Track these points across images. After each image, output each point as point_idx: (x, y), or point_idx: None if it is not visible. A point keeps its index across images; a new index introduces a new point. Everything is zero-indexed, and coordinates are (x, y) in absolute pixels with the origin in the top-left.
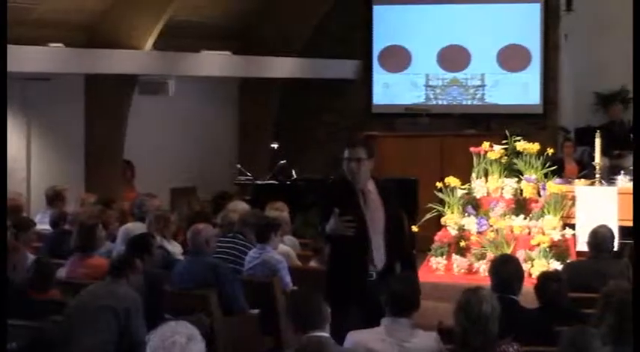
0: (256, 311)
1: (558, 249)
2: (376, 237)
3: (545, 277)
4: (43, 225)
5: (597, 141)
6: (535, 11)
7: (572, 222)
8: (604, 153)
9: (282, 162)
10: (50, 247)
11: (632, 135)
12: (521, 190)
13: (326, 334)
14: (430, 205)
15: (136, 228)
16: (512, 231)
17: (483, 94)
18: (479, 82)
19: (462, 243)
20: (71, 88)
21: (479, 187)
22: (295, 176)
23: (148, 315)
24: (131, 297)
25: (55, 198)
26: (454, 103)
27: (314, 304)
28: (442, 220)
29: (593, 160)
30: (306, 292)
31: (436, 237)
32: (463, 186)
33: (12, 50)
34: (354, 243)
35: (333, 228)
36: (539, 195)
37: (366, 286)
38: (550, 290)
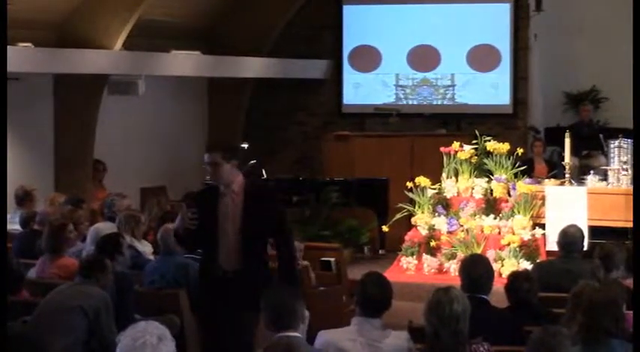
0: None
1: (528, 249)
2: (225, 239)
3: (516, 277)
4: (12, 225)
5: (567, 141)
6: (505, 11)
7: (542, 222)
8: (574, 153)
9: (252, 161)
10: (20, 247)
11: (601, 135)
12: (492, 190)
13: (297, 334)
14: (400, 205)
15: (105, 227)
16: (482, 231)
17: (453, 94)
18: (449, 82)
19: (433, 243)
20: (40, 87)
21: (449, 187)
22: (266, 176)
23: (118, 315)
24: (101, 297)
25: (24, 197)
26: (424, 103)
27: (285, 304)
28: (412, 220)
29: (563, 160)
30: (278, 291)
31: (406, 237)
32: (433, 186)
33: None
34: (205, 244)
35: (179, 225)
36: (509, 195)
37: (213, 286)
38: (521, 290)
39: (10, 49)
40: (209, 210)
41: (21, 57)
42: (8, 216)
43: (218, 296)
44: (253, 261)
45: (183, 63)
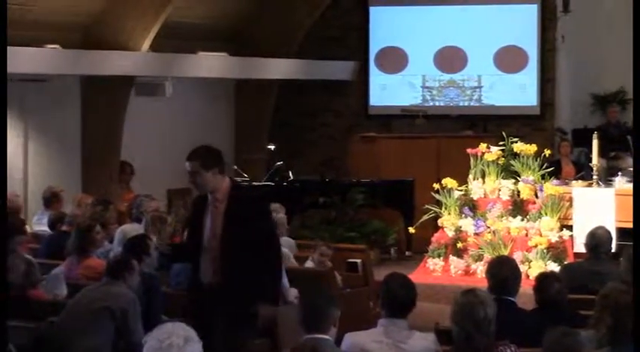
0: None
1: (556, 251)
2: (206, 252)
3: (545, 277)
4: (40, 226)
5: (594, 143)
6: (532, 12)
7: (569, 224)
8: (601, 154)
9: (278, 163)
10: (48, 248)
11: (629, 137)
12: (519, 192)
13: (326, 337)
14: (427, 206)
15: (133, 229)
16: (509, 233)
17: (480, 95)
18: (476, 84)
19: (459, 245)
20: (68, 89)
21: (476, 188)
22: (292, 177)
23: (145, 316)
24: (128, 298)
25: (52, 199)
26: (451, 105)
27: (318, 306)
28: (439, 221)
29: (591, 161)
30: (310, 294)
31: (433, 239)
32: (460, 188)
33: (8, 52)
34: (193, 256)
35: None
36: (537, 197)
37: (194, 299)
38: (549, 291)
39: (38, 51)
40: (197, 219)
41: (48, 59)
42: (35, 218)
43: (198, 310)
44: (236, 273)
45: (210, 64)
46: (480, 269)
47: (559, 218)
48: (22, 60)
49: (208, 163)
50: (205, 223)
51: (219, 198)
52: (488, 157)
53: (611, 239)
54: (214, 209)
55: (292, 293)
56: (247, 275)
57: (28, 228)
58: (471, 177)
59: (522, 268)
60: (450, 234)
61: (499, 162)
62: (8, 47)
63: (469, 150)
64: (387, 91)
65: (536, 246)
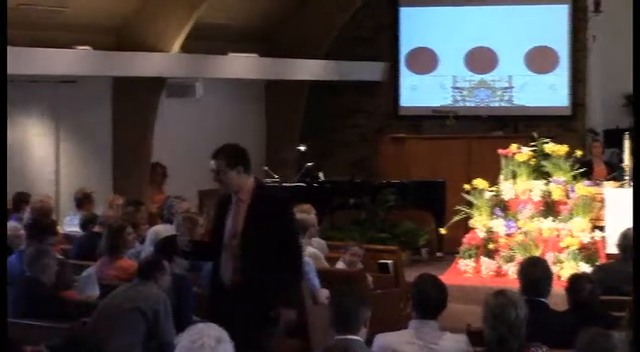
0: None
1: (588, 252)
2: (226, 251)
3: (578, 278)
4: (72, 227)
5: (626, 143)
6: (563, 13)
7: (601, 225)
8: (633, 154)
9: (309, 164)
10: (79, 249)
11: None
12: (550, 192)
13: (357, 337)
14: (458, 207)
15: (164, 229)
16: (540, 234)
17: (511, 96)
18: (506, 84)
19: (491, 246)
20: (99, 90)
21: (507, 189)
22: (322, 178)
23: (176, 317)
24: (159, 299)
25: (83, 200)
26: (482, 105)
27: (348, 307)
28: (470, 222)
29: (622, 162)
30: (341, 295)
31: (464, 240)
32: (491, 188)
33: (40, 53)
34: (214, 254)
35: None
36: (568, 198)
37: (214, 299)
38: (582, 292)
39: (69, 53)
40: (220, 218)
41: (80, 60)
42: (67, 219)
43: (218, 309)
44: (255, 272)
45: (241, 65)
46: (512, 270)
47: (591, 219)
48: (54, 61)
49: (233, 162)
50: (227, 222)
51: (243, 198)
52: (520, 158)
53: None
54: (237, 208)
55: (323, 294)
56: (267, 275)
57: (59, 229)
58: (502, 177)
59: (554, 269)
60: (481, 235)
61: (530, 162)
62: (40, 49)
63: (500, 151)
64: (417, 92)
65: (567, 247)
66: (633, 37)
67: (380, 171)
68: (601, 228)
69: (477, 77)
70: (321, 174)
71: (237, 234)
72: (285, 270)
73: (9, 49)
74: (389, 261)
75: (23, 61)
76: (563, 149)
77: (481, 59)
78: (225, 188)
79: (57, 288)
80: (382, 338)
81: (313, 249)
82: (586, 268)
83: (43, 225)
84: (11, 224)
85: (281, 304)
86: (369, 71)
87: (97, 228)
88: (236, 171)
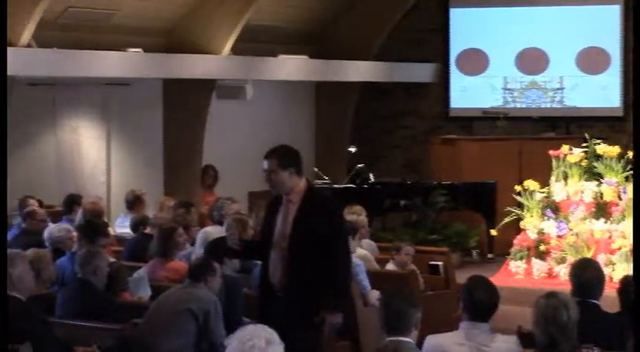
0: None
1: None
2: (274, 252)
3: (629, 280)
4: (123, 229)
5: None
6: (615, 13)
7: None
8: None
9: (359, 165)
10: (131, 251)
11: None
12: (602, 193)
13: (408, 339)
14: (509, 209)
15: (214, 231)
16: (592, 235)
17: (562, 97)
18: (558, 85)
19: (542, 247)
20: (150, 92)
21: (558, 190)
22: (373, 179)
23: (227, 319)
24: (210, 300)
25: (134, 202)
26: (533, 106)
27: (399, 308)
28: (521, 224)
29: None
30: (391, 296)
31: (515, 241)
32: (542, 190)
33: (91, 56)
34: (262, 254)
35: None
36: (620, 199)
37: (263, 302)
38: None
39: (120, 55)
40: (270, 220)
41: (131, 62)
42: (118, 220)
43: (266, 313)
44: (302, 275)
45: (291, 67)
46: (563, 272)
47: None
48: (106, 64)
49: (285, 163)
50: (277, 223)
51: (293, 200)
52: (571, 159)
53: None
54: (286, 209)
55: (374, 295)
56: (313, 278)
57: (110, 230)
58: (553, 179)
59: (606, 271)
60: (533, 236)
61: (582, 163)
62: (91, 51)
63: (551, 152)
64: (467, 93)
65: (620, 248)
66: (633, 37)
67: (431, 172)
68: None
69: (528, 78)
70: (371, 176)
71: (286, 236)
72: (332, 273)
73: (60, 51)
74: (439, 263)
75: (74, 63)
76: (615, 150)
77: (532, 60)
78: (276, 189)
79: (111, 290)
80: (433, 340)
81: (364, 251)
82: None
83: (95, 226)
84: (63, 225)
85: (327, 308)
86: (420, 72)
87: (147, 230)
88: (288, 173)
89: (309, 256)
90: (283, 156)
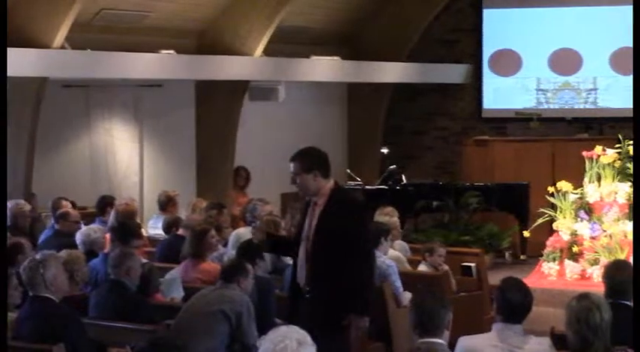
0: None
1: None
2: (302, 254)
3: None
4: (155, 230)
5: None
6: None
7: None
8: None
9: (391, 167)
10: (163, 252)
11: None
12: None
13: (440, 341)
14: (542, 210)
15: (247, 232)
16: (625, 236)
17: (596, 98)
18: (591, 86)
19: (575, 249)
20: (182, 94)
21: (591, 192)
22: (405, 181)
23: (259, 319)
24: (243, 302)
25: (167, 203)
26: (566, 107)
27: (430, 310)
28: (554, 225)
29: None
30: (422, 297)
31: (548, 243)
32: (575, 191)
33: (125, 57)
34: (294, 258)
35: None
36: None
37: (291, 303)
38: None
39: (153, 57)
40: (301, 222)
41: (163, 64)
42: (151, 222)
43: (295, 314)
44: (324, 277)
45: (323, 68)
46: (596, 273)
47: None
48: (138, 65)
49: (308, 165)
50: (305, 226)
51: (319, 202)
52: (604, 160)
53: None
54: (312, 212)
55: (406, 296)
56: (335, 280)
57: (143, 231)
58: (586, 180)
59: None
60: (566, 237)
61: (615, 165)
62: (124, 53)
63: (585, 153)
64: (500, 94)
65: None
66: (633, 37)
67: (463, 173)
68: None
69: (561, 79)
70: (403, 177)
71: (310, 238)
72: (354, 276)
73: (94, 53)
74: (472, 264)
75: (108, 65)
76: None
77: (565, 61)
78: (302, 191)
79: (144, 291)
80: (465, 341)
81: (396, 252)
82: None
83: (128, 228)
84: (96, 226)
85: (353, 311)
86: (452, 73)
87: (180, 231)
88: (312, 175)
89: (331, 258)
90: (306, 159)
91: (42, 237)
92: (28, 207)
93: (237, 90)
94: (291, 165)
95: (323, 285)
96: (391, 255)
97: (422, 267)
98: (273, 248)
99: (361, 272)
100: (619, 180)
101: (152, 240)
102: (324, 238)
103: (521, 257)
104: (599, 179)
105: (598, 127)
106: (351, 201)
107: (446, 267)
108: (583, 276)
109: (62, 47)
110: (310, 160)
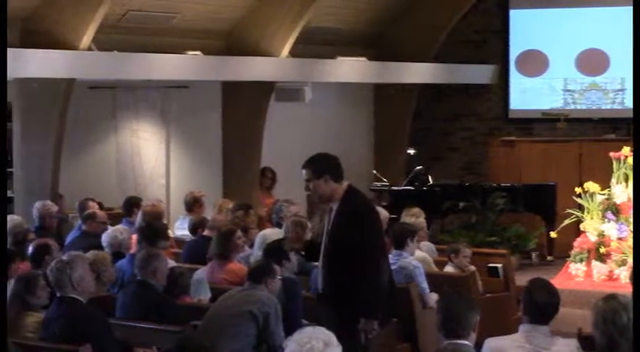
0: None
1: None
2: (320, 258)
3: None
4: (182, 231)
5: None
6: None
7: None
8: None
9: (418, 167)
10: (189, 253)
11: None
12: None
13: (466, 342)
14: (569, 211)
15: (273, 233)
16: None
17: (623, 98)
18: (619, 86)
19: (602, 249)
20: (209, 95)
21: (619, 193)
22: (432, 182)
23: (286, 320)
24: (270, 302)
25: (193, 204)
26: (593, 108)
27: (457, 311)
28: (581, 226)
29: None
30: (449, 298)
31: (575, 243)
32: (603, 192)
33: (151, 58)
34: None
35: None
36: None
37: (315, 305)
38: None
39: (179, 58)
40: (320, 227)
41: (190, 65)
42: (177, 222)
43: (314, 316)
44: (337, 281)
45: (349, 69)
46: (624, 274)
47: None
48: (165, 66)
49: (319, 171)
50: (323, 231)
51: (333, 207)
52: (632, 161)
53: None
54: (328, 217)
55: (432, 298)
56: (346, 283)
57: (170, 232)
58: (613, 180)
59: None
60: (593, 238)
61: None
62: (150, 54)
63: (612, 154)
64: (527, 95)
65: None
66: (633, 37)
67: (490, 174)
68: None
69: (589, 79)
70: (430, 178)
71: (326, 243)
72: (361, 282)
73: (121, 54)
74: (499, 265)
75: (134, 66)
76: None
77: (592, 61)
78: (316, 196)
79: (172, 293)
80: (492, 342)
81: (422, 253)
82: None
83: (155, 229)
84: (122, 227)
85: (363, 314)
86: (479, 74)
87: (206, 232)
88: (323, 180)
89: (341, 261)
90: (316, 165)
91: (69, 238)
92: (55, 208)
93: (263, 91)
94: (303, 172)
95: (336, 290)
96: (418, 256)
97: (448, 268)
98: (312, 255)
99: (368, 277)
100: None
101: (178, 241)
102: (335, 244)
103: (548, 258)
104: (626, 180)
105: (625, 128)
106: (358, 206)
107: (472, 268)
108: (610, 277)
109: (89, 49)
110: (320, 165)
